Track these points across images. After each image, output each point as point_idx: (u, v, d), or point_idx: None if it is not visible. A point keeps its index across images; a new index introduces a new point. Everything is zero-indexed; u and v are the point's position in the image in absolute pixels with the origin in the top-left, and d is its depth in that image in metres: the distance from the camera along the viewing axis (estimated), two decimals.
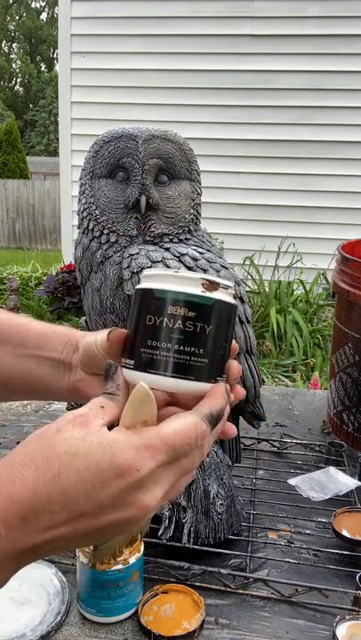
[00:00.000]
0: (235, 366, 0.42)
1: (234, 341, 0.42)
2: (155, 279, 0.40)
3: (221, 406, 0.39)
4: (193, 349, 0.39)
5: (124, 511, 0.36)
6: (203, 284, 0.39)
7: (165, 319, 0.39)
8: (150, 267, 0.73)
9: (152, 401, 0.38)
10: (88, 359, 0.47)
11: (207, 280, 0.39)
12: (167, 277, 0.40)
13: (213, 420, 0.39)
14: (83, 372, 0.48)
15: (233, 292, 0.41)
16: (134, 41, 4.21)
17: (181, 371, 0.39)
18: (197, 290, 0.39)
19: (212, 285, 0.39)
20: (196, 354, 0.39)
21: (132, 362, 0.40)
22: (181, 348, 0.39)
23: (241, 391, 0.44)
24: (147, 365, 0.39)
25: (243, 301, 0.83)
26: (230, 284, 0.41)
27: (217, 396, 0.40)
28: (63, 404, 1.22)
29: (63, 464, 0.35)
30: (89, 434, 0.36)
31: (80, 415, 0.38)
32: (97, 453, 0.35)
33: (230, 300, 0.41)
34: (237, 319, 0.80)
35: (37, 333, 0.50)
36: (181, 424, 0.37)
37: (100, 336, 0.45)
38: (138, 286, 0.42)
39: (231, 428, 0.43)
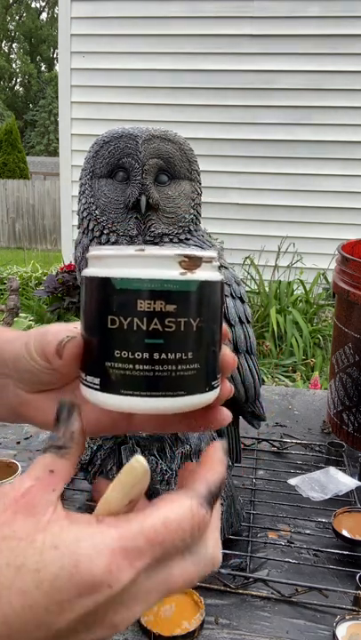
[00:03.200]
0: (228, 357, 0.33)
1: (224, 324, 0.33)
2: (111, 262, 0.29)
3: (221, 478, 0.31)
4: (179, 355, 0.29)
5: (89, 634, 0.26)
6: (180, 263, 0.29)
7: (136, 320, 0.28)
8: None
9: (147, 478, 0.28)
10: (24, 375, 0.35)
11: (185, 256, 0.29)
12: (129, 259, 0.29)
13: (213, 498, 0.29)
14: (20, 390, 0.37)
15: (218, 263, 0.31)
16: (134, 41, 4.21)
17: (168, 386, 0.29)
18: (175, 272, 0.28)
19: (193, 262, 0.29)
20: (184, 360, 0.29)
21: (96, 380, 0.30)
22: (163, 356, 0.29)
23: (228, 389, 0.34)
24: (119, 385, 0.29)
25: (243, 301, 0.83)
26: (214, 253, 0.31)
27: (215, 465, 0.31)
28: None
29: (3, 584, 0.24)
30: (38, 529, 0.25)
31: (23, 494, 0.27)
32: (52, 565, 0.24)
33: (217, 276, 0.31)
34: (237, 318, 0.80)
35: None
36: (173, 512, 0.27)
37: (35, 343, 0.34)
38: (87, 273, 0.30)
39: (226, 415, 0.35)
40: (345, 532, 0.78)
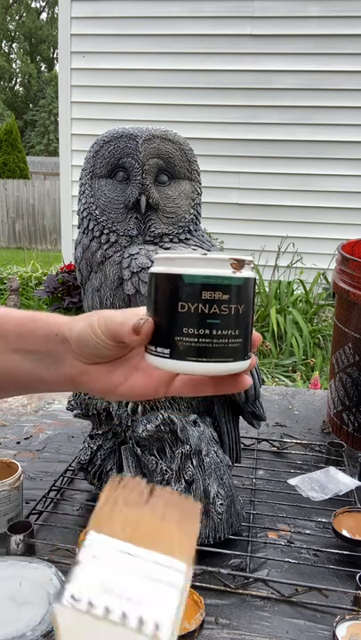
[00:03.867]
0: (255, 336, 0.43)
1: None
2: (179, 263, 0.39)
3: None
4: (230, 332, 0.39)
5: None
6: (231, 264, 0.39)
7: (200, 305, 0.38)
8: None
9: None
10: (87, 350, 0.44)
11: (235, 260, 0.39)
12: (194, 261, 0.39)
13: None
14: (80, 362, 0.45)
15: (253, 265, 0.41)
16: (134, 41, 4.21)
17: (221, 354, 0.39)
18: (228, 271, 0.38)
19: (240, 264, 0.39)
20: (233, 335, 0.39)
21: (166, 351, 0.40)
22: (219, 332, 0.38)
23: (255, 360, 0.44)
24: (185, 354, 0.39)
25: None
26: (251, 258, 0.41)
27: None
28: (63, 404, 1.22)
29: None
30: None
31: None
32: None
33: (253, 274, 0.40)
34: None
35: (17, 324, 0.47)
36: None
37: (100, 325, 0.43)
38: (160, 270, 0.40)
39: (248, 381, 0.43)
40: (345, 532, 0.78)
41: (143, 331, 0.40)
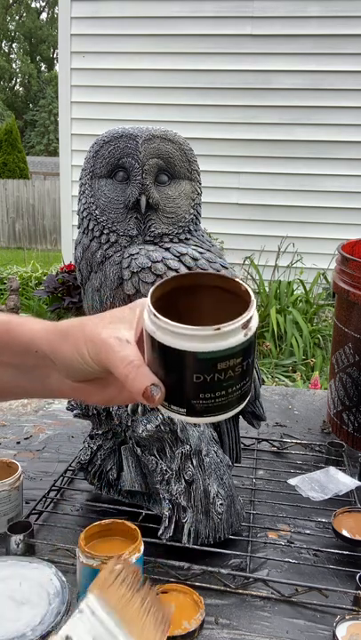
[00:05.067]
0: None
1: None
2: (191, 339, 0.37)
3: None
4: (242, 383, 0.40)
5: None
6: (243, 326, 0.38)
7: (216, 375, 0.38)
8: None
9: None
10: (74, 373, 0.42)
11: (246, 321, 0.38)
12: (210, 337, 0.37)
13: None
14: (69, 380, 0.43)
15: (256, 305, 0.40)
16: (134, 41, 4.21)
17: (235, 404, 0.40)
18: (241, 336, 0.38)
19: (248, 322, 0.38)
20: (245, 385, 0.40)
21: (182, 410, 0.40)
22: (234, 388, 0.39)
23: None
24: (202, 413, 0.40)
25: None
26: (252, 294, 0.40)
27: None
28: (63, 404, 1.22)
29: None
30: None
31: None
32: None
33: (257, 320, 0.40)
34: None
35: None
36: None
37: (91, 352, 0.39)
38: (169, 343, 0.38)
39: None
40: (345, 532, 0.78)
41: (156, 402, 0.39)
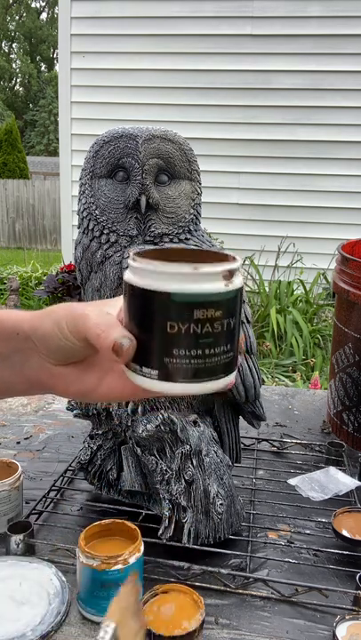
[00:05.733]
0: (240, 339, 0.39)
1: None
2: (166, 278, 0.35)
3: None
4: (222, 348, 0.36)
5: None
6: (224, 277, 0.35)
7: (192, 325, 0.34)
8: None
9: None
10: (54, 350, 0.40)
11: (228, 271, 0.35)
12: (184, 276, 0.34)
13: None
14: (48, 364, 0.41)
15: (240, 265, 0.37)
16: (134, 41, 4.21)
17: (213, 373, 0.36)
18: (221, 285, 0.35)
19: (231, 274, 0.35)
20: (225, 351, 0.36)
21: (154, 372, 0.36)
22: (212, 351, 0.36)
23: (242, 341, 0.40)
24: (176, 375, 0.36)
25: (243, 302, 0.83)
26: (238, 258, 0.37)
27: None
28: (63, 404, 1.22)
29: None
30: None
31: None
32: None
33: (242, 281, 0.37)
34: None
35: None
36: None
37: (69, 324, 0.38)
38: (142, 285, 0.35)
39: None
40: (345, 532, 0.78)
41: (125, 354, 0.36)
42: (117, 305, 0.40)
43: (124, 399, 0.42)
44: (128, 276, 0.36)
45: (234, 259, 0.37)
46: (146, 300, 0.35)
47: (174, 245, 0.36)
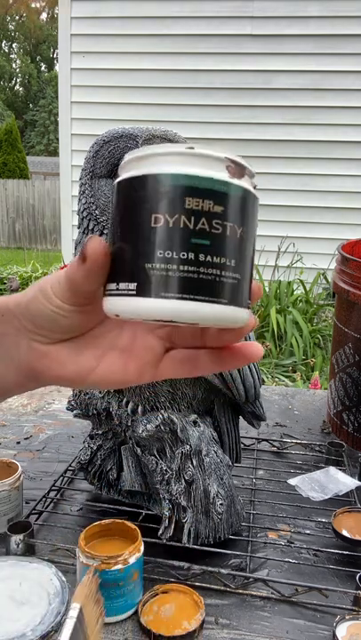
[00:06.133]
0: (255, 284, 0.32)
1: None
2: (154, 160, 0.28)
3: None
4: (223, 260, 0.28)
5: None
6: (228, 168, 0.28)
7: (183, 217, 0.27)
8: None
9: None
10: (41, 322, 0.34)
11: (233, 161, 0.28)
12: (178, 156, 0.27)
13: None
14: (38, 342, 0.35)
15: (254, 181, 0.30)
16: (134, 41, 4.21)
17: (211, 291, 0.27)
18: (224, 174, 0.28)
19: (239, 169, 0.28)
20: (228, 266, 0.28)
21: (132, 285, 0.28)
22: (208, 258, 0.27)
23: (254, 320, 0.32)
24: (159, 287, 0.27)
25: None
26: (252, 169, 0.30)
27: None
28: (63, 404, 1.22)
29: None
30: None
31: None
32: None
33: (255, 191, 0.30)
34: None
35: None
36: None
37: (52, 285, 0.33)
38: (126, 175, 0.29)
39: (257, 349, 0.34)
40: (345, 532, 0.78)
41: (90, 252, 0.29)
42: None
43: (127, 383, 0.36)
44: (118, 174, 0.30)
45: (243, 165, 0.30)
46: (129, 192, 0.28)
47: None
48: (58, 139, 4.81)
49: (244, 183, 0.29)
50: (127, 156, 0.29)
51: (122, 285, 0.29)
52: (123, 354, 0.35)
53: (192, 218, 0.27)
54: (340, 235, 3.73)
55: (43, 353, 0.35)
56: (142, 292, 0.27)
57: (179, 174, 0.27)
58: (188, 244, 0.27)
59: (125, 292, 0.28)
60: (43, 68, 28.83)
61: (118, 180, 0.29)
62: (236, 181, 0.28)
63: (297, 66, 4.02)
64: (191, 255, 0.27)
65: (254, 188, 0.30)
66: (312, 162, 4.11)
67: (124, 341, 0.35)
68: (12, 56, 29.11)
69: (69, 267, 0.31)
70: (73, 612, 0.43)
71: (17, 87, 28.37)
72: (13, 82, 28.22)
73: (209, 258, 0.27)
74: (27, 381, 0.38)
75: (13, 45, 29.24)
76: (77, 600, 0.45)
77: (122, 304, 0.29)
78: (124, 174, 0.29)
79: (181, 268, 0.27)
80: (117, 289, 0.29)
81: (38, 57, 28.53)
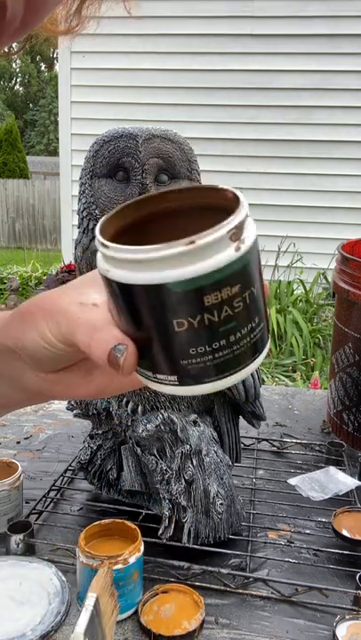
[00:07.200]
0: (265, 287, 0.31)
1: None
2: (160, 265, 0.26)
3: None
4: (251, 326, 0.28)
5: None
6: (232, 237, 0.26)
7: (206, 315, 0.26)
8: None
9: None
10: (43, 362, 0.33)
11: (235, 228, 0.26)
12: (181, 257, 0.25)
13: None
14: (45, 374, 0.35)
15: (247, 209, 0.28)
16: (134, 40, 4.21)
17: (245, 358, 0.28)
18: (230, 252, 0.26)
19: (240, 229, 0.26)
20: (254, 327, 0.28)
21: (172, 377, 0.29)
22: (238, 334, 0.27)
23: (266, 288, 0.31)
24: (199, 376, 0.28)
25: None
26: (241, 196, 0.28)
27: None
28: (63, 404, 1.22)
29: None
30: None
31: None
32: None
33: (254, 227, 0.28)
34: None
35: None
36: None
37: (55, 334, 0.31)
38: (128, 280, 0.27)
39: None
40: (345, 532, 0.78)
41: (125, 367, 0.29)
42: (103, 287, 0.32)
43: (137, 387, 0.36)
44: (102, 265, 0.28)
45: (237, 201, 0.27)
46: (135, 297, 0.27)
47: (149, 194, 0.30)
48: (58, 138, 4.81)
49: (248, 237, 0.27)
50: (114, 252, 0.27)
51: (161, 376, 0.29)
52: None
53: (215, 312, 0.27)
54: (341, 234, 3.72)
55: (50, 381, 0.35)
56: (183, 382, 0.28)
57: (191, 278, 0.25)
58: (216, 334, 0.27)
59: (167, 382, 0.29)
60: (43, 68, 28.84)
61: (114, 279, 0.27)
62: (242, 248, 0.27)
63: (297, 65, 4.02)
64: (223, 342, 0.27)
65: (251, 221, 0.29)
66: (313, 162, 4.11)
67: None
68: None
69: (88, 350, 0.30)
70: (90, 601, 0.43)
71: (17, 87, 28.38)
72: (13, 82, 28.23)
73: (238, 334, 0.28)
74: (35, 400, 0.38)
75: (13, 45, 29.21)
76: (94, 590, 0.45)
77: (169, 390, 0.29)
78: (117, 274, 0.27)
79: (216, 355, 0.28)
80: (156, 378, 0.29)
81: (38, 57, 28.53)
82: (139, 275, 0.26)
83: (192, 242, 0.25)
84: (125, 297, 0.28)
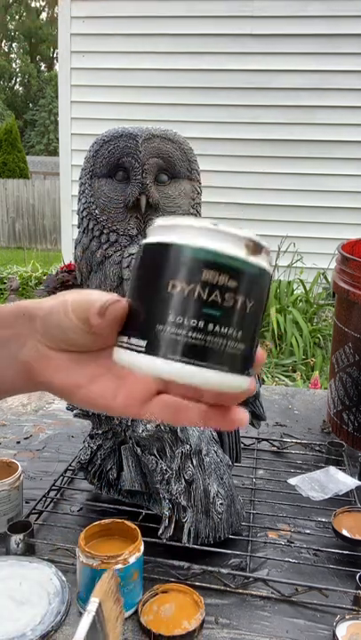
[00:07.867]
0: (260, 353, 0.34)
1: None
2: (180, 231, 0.30)
3: None
4: (231, 331, 0.30)
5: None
6: (247, 246, 0.30)
7: (198, 287, 0.29)
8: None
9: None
10: (52, 329, 0.36)
11: (252, 241, 0.30)
12: (200, 231, 0.30)
13: None
14: (42, 345, 0.37)
15: (271, 258, 0.32)
16: (134, 40, 4.21)
17: (214, 359, 0.30)
18: (241, 252, 0.30)
19: (257, 248, 0.30)
20: (234, 337, 0.30)
21: (142, 342, 0.30)
22: (217, 328, 0.29)
23: (254, 385, 0.35)
24: (166, 349, 0.30)
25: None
26: (269, 248, 0.32)
27: None
28: (63, 404, 1.22)
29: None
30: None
31: None
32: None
33: (270, 268, 0.32)
34: None
35: None
36: None
37: (73, 302, 0.35)
38: (153, 239, 0.31)
39: (243, 417, 0.36)
40: (345, 532, 0.78)
41: (109, 312, 0.32)
42: None
43: (112, 410, 0.36)
44: (143, 240, 0.33)
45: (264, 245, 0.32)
46: (152, 255, 0.31)
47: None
48: (58, 138, 4.81)
49: (260, 261, 0.31)
50: (157, 222, 0.32)
51: (133, 340, 0.31)
52: (116, 380, 0.35)
53: (207, 289, 0.29)
54: (341, 234, 3.72)
55: (44, 355, 0.37)
56: (151, 350, 0.30)
57: (200, 248, 0.29)
58: (199, 312, 0.29)
59: (135, 347, 0.31)
60: (43, 68, 28.82)
61: (145, 242, 0.32)
62: (252, 259, 0.30)
63: (297, 65, 4.02)
64: (201, 323, 0.29)
65: (269, 264, 0.32)
66: (313, 161, 4.11)
67: (121, 370, 0.34)
68: (12, 56, 29.11)
69: (89, 309, 0.33)
70: (92, 607, 0.42)
71: (17, 87, 28.37)
72: (13, 82, 28.22)
73: (217, 328, 0.30)
74: (21, 382, 0.39)
75: (13, 45, 29.24)
76: (97, 595, 0.43)
77: (130, 359, 0.31)
78: (150, 238, 0.32)
79: (190, 334, 0.29)
80: (128, 343, 0.32)
81: (38, 57, 28.52)
82: (163, 236, 0.31)
83: (216, 224, 0.30)
84: (144, 258, 0.32)
